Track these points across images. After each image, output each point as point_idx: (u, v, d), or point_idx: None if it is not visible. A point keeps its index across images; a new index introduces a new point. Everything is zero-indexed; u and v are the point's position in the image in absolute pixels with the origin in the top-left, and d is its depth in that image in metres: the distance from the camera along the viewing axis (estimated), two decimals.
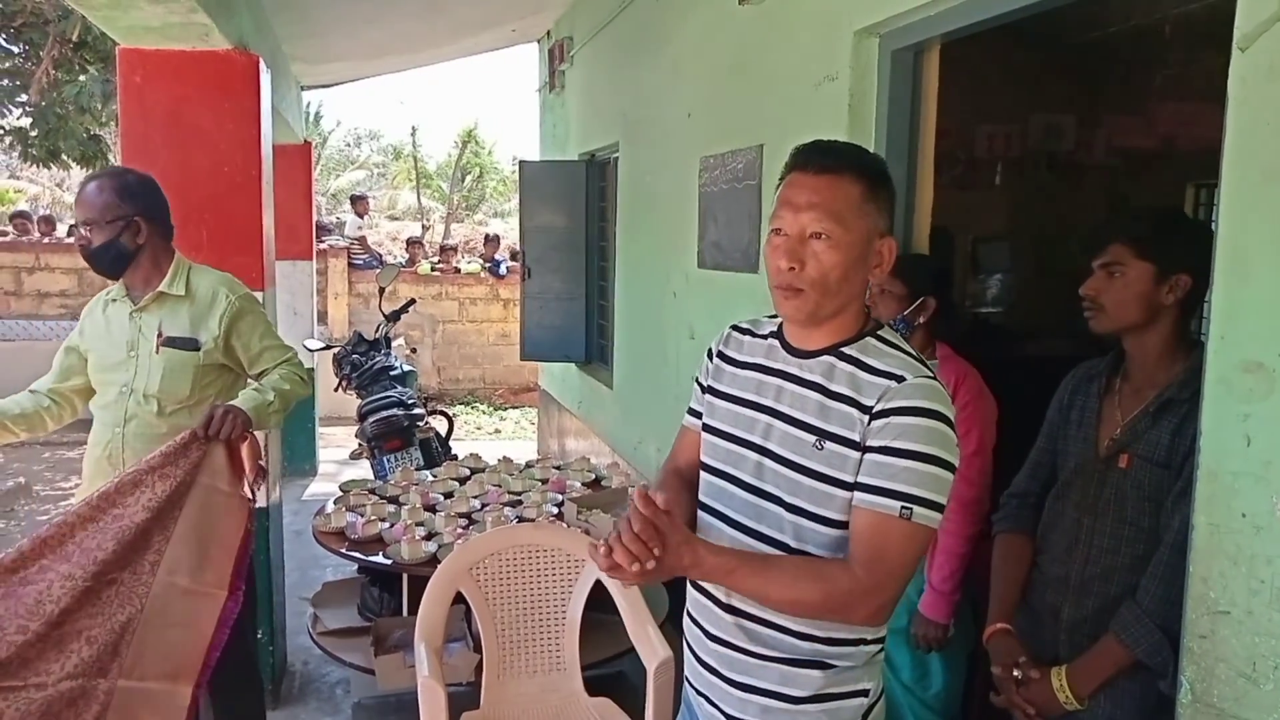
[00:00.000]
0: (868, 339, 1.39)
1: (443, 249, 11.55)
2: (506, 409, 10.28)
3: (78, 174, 11.81)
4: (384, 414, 4.71)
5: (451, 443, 5.38)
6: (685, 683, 1.58)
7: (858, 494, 1.32)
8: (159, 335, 2.38)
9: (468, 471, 3.83)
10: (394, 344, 5.52)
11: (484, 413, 10.07)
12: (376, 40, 6.11)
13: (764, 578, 1.31)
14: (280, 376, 2.48)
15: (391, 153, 22.54)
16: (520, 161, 6.42)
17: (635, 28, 4.44)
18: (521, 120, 30.35)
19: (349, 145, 23.15)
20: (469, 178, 18.94)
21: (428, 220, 16.77)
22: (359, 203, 12.18)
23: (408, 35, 6.09)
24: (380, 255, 11.11)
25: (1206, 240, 1.44)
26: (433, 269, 10.72)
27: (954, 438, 1.32)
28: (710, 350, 1.58)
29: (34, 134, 7.43)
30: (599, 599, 2.60)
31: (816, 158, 1.37)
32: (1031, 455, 1.94)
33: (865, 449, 1.32)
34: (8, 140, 7.91)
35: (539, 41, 6.80)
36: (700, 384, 1.58)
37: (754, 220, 3.03)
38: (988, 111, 4.43)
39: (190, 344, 2.40)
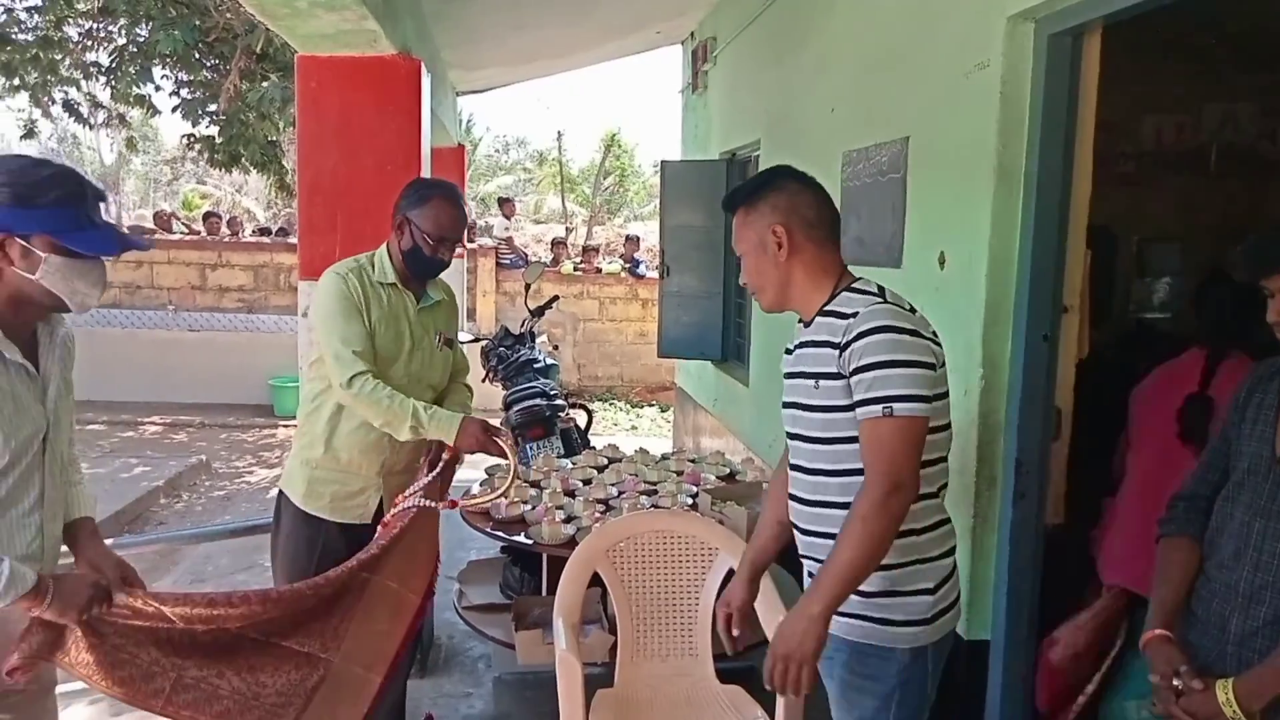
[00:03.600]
0: (842, 293, 1.77)
1: (585, 250, 11.82)
2: (643, 406, 10.43)
3: (255, 179, 12.79)
4: (528, 403, 4.88)
5: (589, 436, 5.51)
6: None
7: (856, 415, 1.66)
8: (439, 336, 2.62)
9: (606, 461, 3.93)
10: (538, 340, 5.70)
11: (621, 410, 10.24)
12: (525, 46, 6.34)
13: (838, 563, 1.62)
14: (467, 395, 2.74)
15: (537, 158, 23.21)
16: (662, 161, 6.51)
17: (779, 25, 4.43)
18: (661, 124, 30.67)
19: (497, 151, 24.00)
20: (610, 179, 19.29)
21: (570, 224, 17.18)
22: (506, 204, 12.63)
23: (556, 40, 6.29)
24: (526, 255, 11.48)
25: None
26: (575, 269, 11.00)
27: (908, 340, 1.64)
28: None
29: (219, 141, 8.11)
30: None
31: (724, 203, 1.88)
32: (1203, 456, 1.83)
33: (848, 377, 1.66)
34: (196, 147, 8.64)
35: (683, 43, 6.87)
36: None
37: (898, 214, 2.98)
38: (1155, 100, 4.17)
39: (451, 344, 2.70)
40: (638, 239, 11.82)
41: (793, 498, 1.87)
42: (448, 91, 6.26)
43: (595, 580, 2.64)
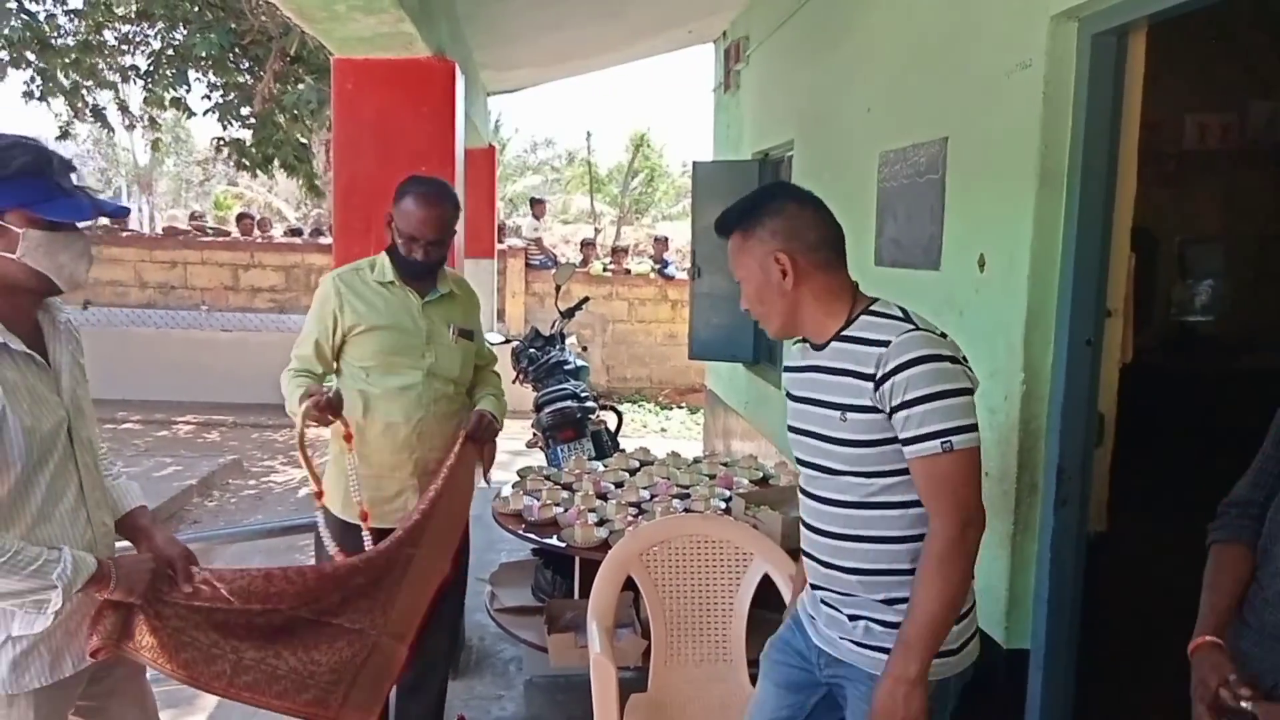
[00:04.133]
0: (861, 317, 1.69)
1: (614, 250, 11.82)
2: (672, 408, 10.41)
3: (285, 181, 12.92)
4: (559, 405, 4.88)
5: (619, 438, 5.50)
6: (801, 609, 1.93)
7: (906, 450, 1.59)
8: (452, 328, 2.62)
9: (637, 464, 3.91)
10: (567, 341, 5.70)
11: (650, 412, 10.23)
12: (558, 46, 6.35)
13: (924, 617, 1.59)
14: (498, 380, 2.79)
15: (566, 158, 23.29)
16: (694, 162, 6.49)
17: (814, 23, 4.40)
18: (691, 124, 30.72)
19: (526, 151, 24.12)
20: (638, 179, 19.31)
21: (599, 224, 17.21)
22: (537, 205, 12.65)
23: (588, 40, 6.29)
24: (555, 256, 11.51)
25: None
26: (604, 270, 10.99)
27: (950, 368, 1.59)
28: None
29: (251, 144, 8.19)
30: (766, 597, 2.60)
31: (716, 227, 1.78)
32: (1256, 461, 1.78)
33: (890, 412, 1.59)
34: (226, 150, 8.73)
35: (715, 42, 6.84)
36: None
37: (936, 215, 2.94)
38: (1200, 99, 4.09)
39: (470, 336, 2.69)
40: (666, 239, 11.80)
41: (807, 526, 1.78)
42: (479, 92, 6.29)
43: (628, 584, 2.63)
